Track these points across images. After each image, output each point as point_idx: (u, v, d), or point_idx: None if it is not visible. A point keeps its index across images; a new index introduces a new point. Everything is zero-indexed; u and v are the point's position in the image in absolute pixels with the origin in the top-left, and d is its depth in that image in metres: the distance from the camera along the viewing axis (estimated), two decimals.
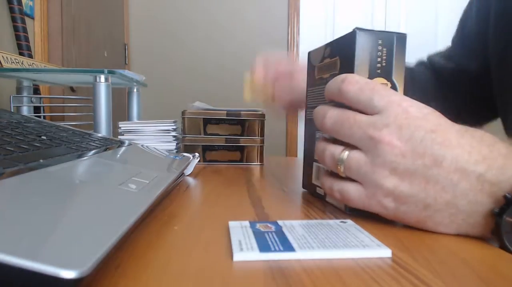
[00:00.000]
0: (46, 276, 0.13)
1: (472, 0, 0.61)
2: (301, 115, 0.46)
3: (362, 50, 0.31)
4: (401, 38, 0.31)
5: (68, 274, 0.13)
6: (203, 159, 0.67)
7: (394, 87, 0.31)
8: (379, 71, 0.31)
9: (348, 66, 0.32)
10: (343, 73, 0.32)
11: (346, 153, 0.29)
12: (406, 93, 0.31)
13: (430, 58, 0.68)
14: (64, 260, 0.14)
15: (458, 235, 0.27)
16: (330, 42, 0.36)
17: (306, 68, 0.41)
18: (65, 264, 0.14)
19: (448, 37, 0.67)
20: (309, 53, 0.41)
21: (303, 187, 0.42)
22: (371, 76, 0.31)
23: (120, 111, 1.45)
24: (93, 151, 0.39)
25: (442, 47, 0.68)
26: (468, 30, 0.61)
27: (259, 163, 0.68)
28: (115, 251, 0.19)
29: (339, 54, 0.34)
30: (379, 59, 0.31)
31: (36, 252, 0.14)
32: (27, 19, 1.00)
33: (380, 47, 0.31)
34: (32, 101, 0.80)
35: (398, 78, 0.31)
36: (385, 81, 0.31)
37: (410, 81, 0.58)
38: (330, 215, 0.32)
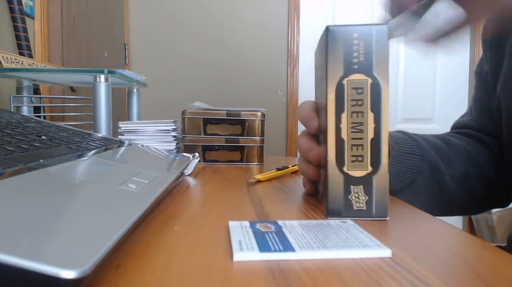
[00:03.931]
0: (46, 276, 0.13)
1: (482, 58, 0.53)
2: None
3: (334, 46, 0.30)
4: (381, 30, 0.30)
5: (68, 274, 0.13)
6: (203, 159, 0.67)
7: (376, 82, 0.30)
8: (356, 66, 0.30)
9: (324, 65, 0.31)
10: (322, 71, 0.32)
11: None
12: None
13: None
14: (64, 260, 0.14)
15: (458, 235, 0.27)
16: (319, 41, 0.35)
17: None
18: (65, 264, 0.14)
19: None
20: (315, 52, 0.40)
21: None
22: (347, 73, 0.30)
23: (120, 111, 1.45)
24: (93, 151, 0.39)
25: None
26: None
27: (259, 163, 0.68)
28: (115, 251, 0.19)
29: (322, 53, 0.33)
30: (355, 54, 0.30)
31: (36, 252, 0.14)
32: (27, 19, 1.00)
33: (356, 41, 0.30)
34: (32, 101, 0.80)
35: (381, 73, 0.30)
36: (364, 77, 0.30)
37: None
38: None
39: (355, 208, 0.31)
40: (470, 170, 0.49)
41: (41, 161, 0.29)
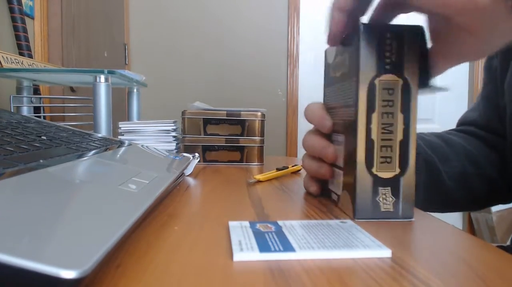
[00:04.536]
0: (46, 276, 0.13)
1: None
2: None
3: (368, 45, 0.29)
4: (414, 31, 0.29)
5: (68, 274, 0.13)
6: (203, 159, 0.67)
7: (406, 84, 0.29)
8: (388, 67, 0.29)
9: (354, 63, 0.30)
10: (351, 70, 0.31)
11: None
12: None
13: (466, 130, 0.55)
14: (64, 260, 0.14)
15: (458, 235, 0.27)
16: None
17: None
18: (65, 264, 0.14)
19: None
20: (325, 51, 0.39)
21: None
22: (379, 73, 0.29)
23: (120, 111, 1.45)
24: (93, 151, 0.39)
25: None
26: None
27: (259, 163, 0.68)
28: (115, 251, 0.19)
29: (347, 51, 0.32)
30: (388, 54, 0.29)
31: (36, 252, 0.14)
32: (27, 19, 1.00)
33: (389, 41, 0.29)
34: (32, 101, 0.80)
35: (412, 75, 0.29)
36: (396, 78, 0.29)
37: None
38: (330, 215, 0.32)
39: (382, 209, 0.30)
40: (468, 168, 0.49)
41: (41, 161, 0.29)
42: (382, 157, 0.30)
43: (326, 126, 0.36)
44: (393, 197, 0.30)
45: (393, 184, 0.30)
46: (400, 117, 0.30)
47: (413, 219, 0.31)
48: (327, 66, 0.39)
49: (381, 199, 0.30)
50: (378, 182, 0.30)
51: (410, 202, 0.31)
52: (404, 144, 0.30)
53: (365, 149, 0.30)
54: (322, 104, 0.38)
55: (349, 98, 0.31)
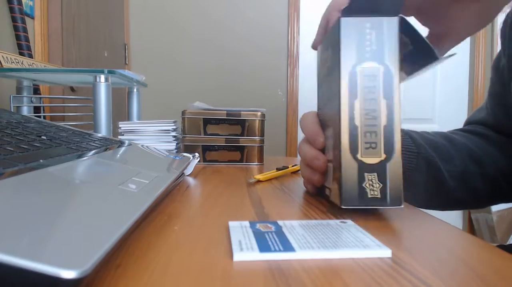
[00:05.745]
0: (46, 276, 0.13)
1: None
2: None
3: (348, 36, 0.31)
4: (392, 22, 0.31)
5: (68, 274, 0.13)
6: (203, 159, 0.67)
7: (387, 70, 0.30)
8: (368, 55, 0.31)
9: (336, 55, 0.31)
10: (333, 63, 0.32)
11: None
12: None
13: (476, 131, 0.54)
14: (64, 260, 0.14)
15: (458, 235, 0.27)
16: (326, 35, 0.36)
17: None
18: (65, 264, 0.14)
19: None
20: (318, 48, 0.41)
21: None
22: (360, 61, 0.30)
23: (120, 111, 1.45)
24: (93, 151, 0.39)
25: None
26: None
27: (259, 163, 0.68)
28: (115, 251, 0.19)
29: (330, 45, 0.34)
30: (368, 43, 0.30)
31: (36, 252, 0.14)
32: (27, 19, 1.00)
33: (368, 31, 0.31)
34: (32, 101, 0.80)
35: (392, 62, 0.31)
36: (376, 64, 0.30)
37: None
38: (330, 215, 0.32)
39: (369, 196, 0.30)
40: (470, 168, 0.49)
41: (41, 161, 0.29)
42: (366, 143, 0.30)
43: (319, 143, 0.37)
44: (379, 183, 0.30)
45: (379, 169, 0.30)
46: (383, 103, 0.30)
47: (402, 206, 0.30)
48: (318, 64, 0.40)
49: (367, 185, 0.30)
50: (364, 167, 0.30)
51: (398, 188, 0.30)
52: (388, 129, 0.30)
53: (349, 135, 0.30)
54: (316, 117, 0.39)
55: (334, 89, 0.32)
